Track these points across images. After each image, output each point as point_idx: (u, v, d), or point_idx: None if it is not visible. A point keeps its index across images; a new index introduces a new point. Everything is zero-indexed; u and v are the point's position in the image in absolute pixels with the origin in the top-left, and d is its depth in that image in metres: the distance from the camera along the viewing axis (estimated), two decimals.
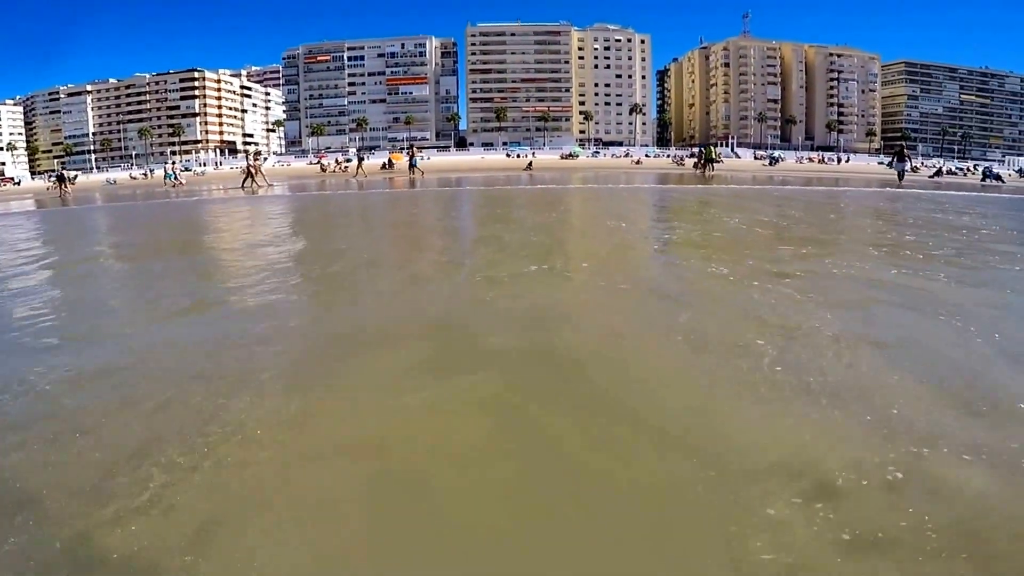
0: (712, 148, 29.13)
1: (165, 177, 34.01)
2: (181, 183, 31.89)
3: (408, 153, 28.64)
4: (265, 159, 78.14)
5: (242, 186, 20.34)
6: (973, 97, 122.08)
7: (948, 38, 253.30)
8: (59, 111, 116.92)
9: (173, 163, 41.90)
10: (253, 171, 20.87)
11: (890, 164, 25.27)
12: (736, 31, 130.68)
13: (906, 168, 21.55)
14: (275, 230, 7.43)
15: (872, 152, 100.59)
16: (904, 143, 25.34)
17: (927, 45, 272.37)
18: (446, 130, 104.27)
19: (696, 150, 40.51)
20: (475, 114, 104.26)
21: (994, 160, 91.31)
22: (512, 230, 6.43)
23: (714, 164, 27.30)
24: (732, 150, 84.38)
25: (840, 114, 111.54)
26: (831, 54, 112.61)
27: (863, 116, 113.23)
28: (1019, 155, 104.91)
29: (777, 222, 7.35)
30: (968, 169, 55.12)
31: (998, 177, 34.16)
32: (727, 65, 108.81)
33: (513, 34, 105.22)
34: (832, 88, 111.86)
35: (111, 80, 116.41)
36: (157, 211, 12.76)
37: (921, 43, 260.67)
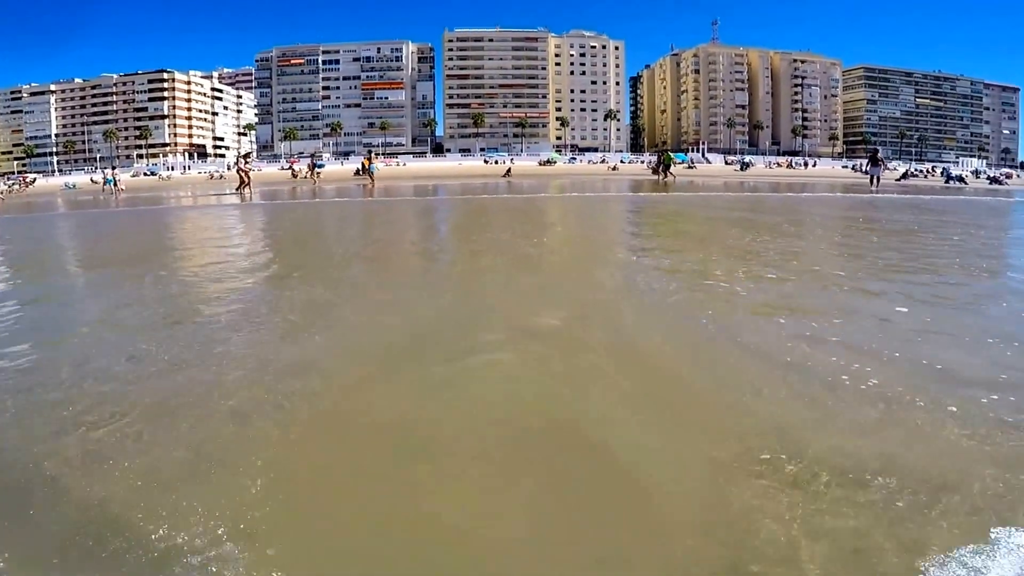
0: (669, 154, 28.71)
1: (104, 183, 33.18)
2: (121, 189, 31.28)
3: (368, 159, 27.31)
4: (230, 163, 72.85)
5: (238, 191, 19.27)
6: (928, 100, 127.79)
7: (903, 43, 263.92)
8: (21, 111, 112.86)
9: (113, 168, 42.00)
10: (244, 176, 19.64)
11: (857, 168, 25.73)
12: (706, 38, 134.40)
13: (880, 172, 21.26)
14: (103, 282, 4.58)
15: (835, 156, 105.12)
16: (878, 147, 25.01)
17: (884, 50, 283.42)
18: (422, 136, 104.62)
19: (656, 156, 39.24)
20: (452, 120, 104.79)
21: (948, 161, 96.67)
22: (493, 287, 3.93)
23: (670, 170, 26.83)
24: (703, 155, 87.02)
25: (804, 119, 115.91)
26: (795, 60, 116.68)
27: (825, 121, 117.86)
28: (971, 156, 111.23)
29: (825, 249, 5.85)
30: (927, 171, 58.15)
31: (961, 179, 35.72)
32: (697, 71, 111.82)
33: (491, 40, 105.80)
34: (796, 94, 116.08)
35: (76, 80, 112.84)
36: (61, 227, 11.52)
37: (879, 48, 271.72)
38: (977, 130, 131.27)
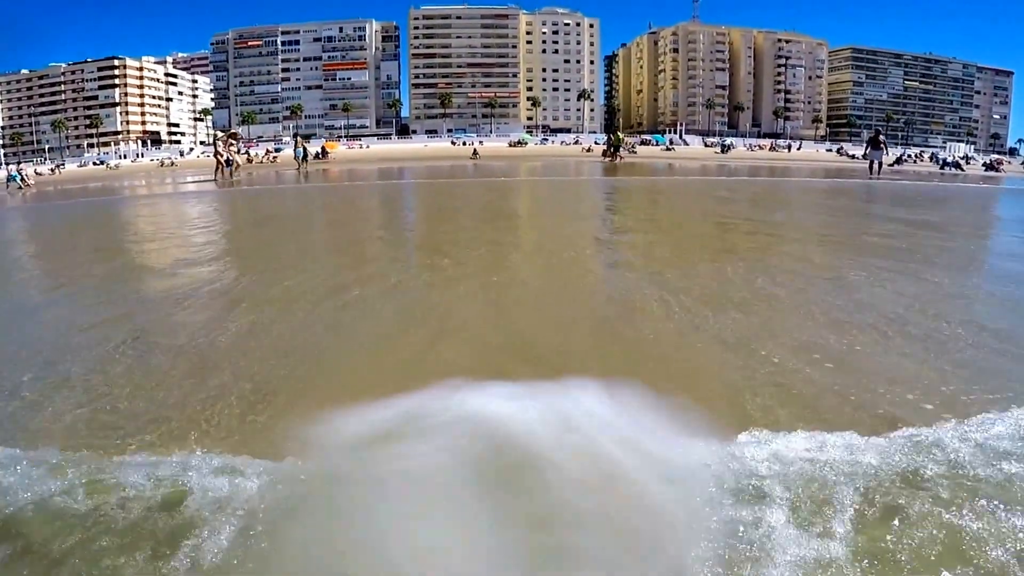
0: (619, 135, 27.70)
1: (8, 180, 30.27)
2: (29, 185, 28.99)
3: (293, 144, 24.62)
4: (207, 144, 70.02)
5: (215, 178, 16.10)
6: (916, 83, 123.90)
7: (893, 23, 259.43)
8: None
9: (19, 164, 39.64)
10: (221, 158, 16.69)
11: (843, 151, 23.01)
12: (685, 16, 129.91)
13: (881, 157, 18.18)
14: None
15: (818, 139, 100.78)
16: (880, 128, 20.91)
17: (873, 31, 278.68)
18: (387, 117, 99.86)
19: (607, 137, 38.78)
20: (418, 100, 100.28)
21: (935, 146, 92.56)
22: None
23: (620, 152, 26.09)
24: (681, 137, 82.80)
25: (787, 101, 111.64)
26: (779, 40, 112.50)
27: (809, 103, 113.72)
28: (959, 141, 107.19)
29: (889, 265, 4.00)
30: (916, 156, 54.58)
31: (957, 165, 33.61)
32: (676, 51, 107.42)
33: (459, 17, 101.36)
34: (780, 74, 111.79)
35: (23, 71, 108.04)
36: None
37: (867, 28, 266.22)
38: (967, 114, 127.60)
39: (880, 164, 17.78)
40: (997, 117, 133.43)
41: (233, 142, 18.07)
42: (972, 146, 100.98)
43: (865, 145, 19.88)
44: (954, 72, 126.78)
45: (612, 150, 25.47)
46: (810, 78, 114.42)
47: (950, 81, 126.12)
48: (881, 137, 18.00)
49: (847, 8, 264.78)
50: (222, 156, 16.49)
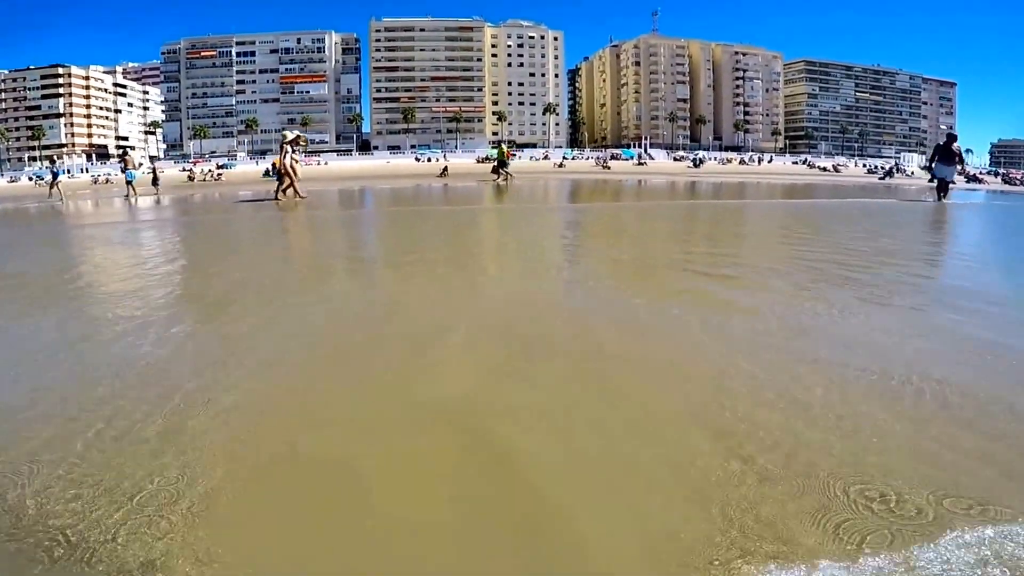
0: (503, 149, 22.48)
1: None
2: None
3: (121, 163, 20.34)
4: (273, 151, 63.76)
5: (276, 197, 13.16)
6: (867, 95, 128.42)
7: (843, 36, 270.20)
8: None
9: None
10: (290, 174, 13.19)
11: (928, 168, 14.15)
12: (645, 30, 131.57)
13: (955, 176, 13.07)
14: None
15: (778, 152, 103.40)
16: (954, 132, 14.18)
17: (825, 44, 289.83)
18: (348, 132, 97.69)
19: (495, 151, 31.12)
20: (380, 115, 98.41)
21: (888, 157, 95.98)
22: None
23: (507, 169, 21.27)
24: (646, 151, 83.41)
25: (746, 114, 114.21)
26: (736, 52, 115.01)
27: (767, 115, 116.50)
28: (911, 151, 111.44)
29: None
30: (880, 167, 55.93)
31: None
32: (638, 64, 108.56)
33: (422, 29, 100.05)
34: (738, 87, 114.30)
35: None
36: None
37: (819, 42, 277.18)
38: (915, 125, 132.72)
39: (948, 186, 12.40)
40: (944, 127, 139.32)
41: (297, 147, 13.58)
42: (924, 156, 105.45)
43: (931, 157, 13.29)
44: (901, 83, 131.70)
45: (499, 167, 21.18)
46: (767, 91, 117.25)
47: (898, 92, 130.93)
48: (956, 144, 12.53)
49: (798, 20, 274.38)
50: (288, 171, 12.94)
